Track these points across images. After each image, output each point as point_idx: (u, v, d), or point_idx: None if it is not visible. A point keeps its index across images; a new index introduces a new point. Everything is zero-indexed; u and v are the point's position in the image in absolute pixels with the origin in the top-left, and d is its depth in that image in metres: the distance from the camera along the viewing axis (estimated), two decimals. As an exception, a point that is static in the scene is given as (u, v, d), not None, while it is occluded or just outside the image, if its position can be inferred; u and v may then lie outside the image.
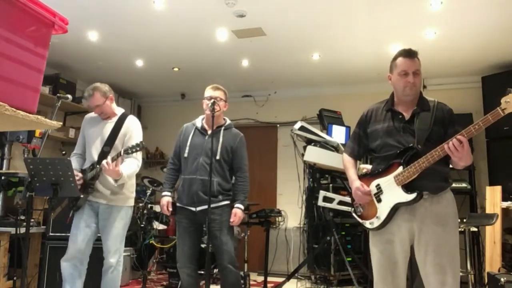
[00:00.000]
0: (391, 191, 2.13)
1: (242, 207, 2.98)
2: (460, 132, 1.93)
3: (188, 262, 2.92)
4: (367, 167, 3.28)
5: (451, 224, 2.07)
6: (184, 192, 2.96)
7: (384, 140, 2.19)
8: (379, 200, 2.18)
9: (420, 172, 2.03)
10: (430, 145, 2.03)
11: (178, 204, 3.02)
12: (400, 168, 2.10)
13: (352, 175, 2.33)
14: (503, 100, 1.83)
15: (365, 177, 2.28)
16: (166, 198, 3.03)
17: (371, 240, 2.25)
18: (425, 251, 2.04)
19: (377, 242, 2.20)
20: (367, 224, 2.22)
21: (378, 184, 2.19)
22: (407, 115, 2.18)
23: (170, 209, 3.03)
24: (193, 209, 2.91)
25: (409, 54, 2.18)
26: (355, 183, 2.26)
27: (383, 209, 2.15)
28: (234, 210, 2.95)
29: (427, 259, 2.04)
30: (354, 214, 2.33)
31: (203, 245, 3.72)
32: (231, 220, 2.92)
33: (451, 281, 2.00)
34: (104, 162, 2.75)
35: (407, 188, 2.07)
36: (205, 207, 2.83)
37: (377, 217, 2.17)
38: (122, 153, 2.76)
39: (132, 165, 2.94)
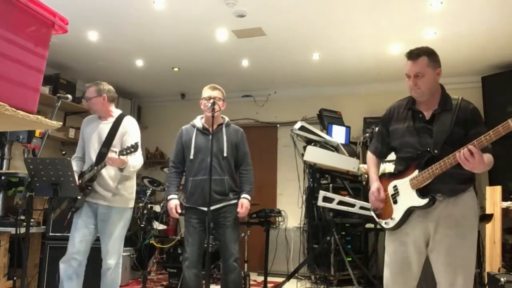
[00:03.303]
0: (406, 194, 2.12)
1: (249, 197, 3.01)
2: (472, 142, 1.88)
3: (197, 263, 2.93)
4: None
5: (467, 226, 2.03)
6: (196, 193, 2.95)
7: (403, 140, 2.17)
8: (395, 202, 2.17)
9: (437, 176, 2.00)
10: (449, 148, 1.97)
11: (187, 205, 3.01)
12: (416, 172, 2.08)
13: (372, 174, 2.32)
14: None
15: (385, 177, 2.27)
16: (174, 201, 2.99)
17: (387, 238, 2.25)
18: (438, 251, 2.03)
19: (392, 242, 2.20)
20: (383, 223, 2.22)
21: (395, 186, 2.18)
22: (427, 115, 2.13)
23: (179, 211, 3.00)
24: (205, 209, 2.89)
25: (410, 56, 2.13)
26: (374, 185, 2.25)
27: (398, 211, 2.14)
28: (241, 201, 2.96)
29: (439, 258, 2.03)
30: (372, 213, 2.33)
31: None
32: (239, 210, 2.95)
33: (462, 282, 1.97)
34: (109, 155, 2.77)
35: (422, 191, 2.05)
36: (217, 206, 2.88)
37: (392, 218, 2.16)
38: (118, 155, 2.76)
39: (136, 157, 2.94)
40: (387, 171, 2.39)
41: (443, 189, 2.04)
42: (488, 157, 1.96)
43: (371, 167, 2.36)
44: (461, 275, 1.98)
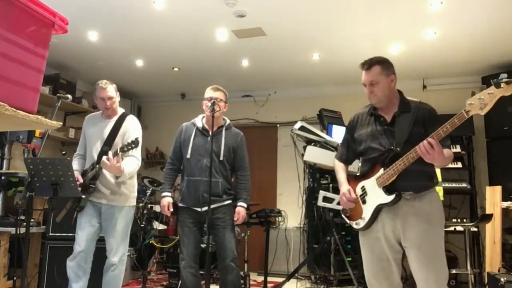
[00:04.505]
0: (374, 192, 2.19)
1: (245, 205, 3.01)
2: (431, 134, 1.97)
3: (193, 262, 2.93)
4: None
5: (434, 222, 2.11)
6: (190, 193, 2.96)
7: (367, 143, 2.26)
8: (364, 202, 2.25)
9: (403, 173, 2.08)
10: (410, 146, 2.06)
11: (181, 205, 3.02)
12: (381, 170, 2.17)
13: (341, 178, 2.42)
14: (467, 101, 1.86)
15: (353, 179, 2.36)
16: (167, 199, 3.03)
17: (361, 239, 2.31)
18: (410, 248, 2.09)
19: (366, 241, 2.26)
20: (354, 224, 2.31)
21: (363, 186, 2.26)
22: (388, 118, 2.24)
23: (171, 209, 3.03)
24: (199, 209, 2.92)
25: (363, 66, 2.26)
26: (343, 187, 2.35)
27: (367, 210, 2.22)
28: (237, 209, 2.98)
29: (412, 254, 2.09)
30: (343, 215, 2.42)
31: (203, 245, 3.73)
32: (235, 218, 2.96)
33: (433, 277, 2.04)
34: (104, 157, 2.76)
35: (389, 189, 2.13)
36: (211, 207, 2.86)
37: (362, 218, 2.24)
38: (118, 151, 2.76)
39: (132, 163, 2.96)
40: None
41: (411, 186, 2.11)
42: (447, 151, 2.04)
43: (339, 172, 2.46)
44: (432, 270, 2.04)
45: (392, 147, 2.14)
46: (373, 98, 2.24)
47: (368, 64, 2.24)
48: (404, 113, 2.20)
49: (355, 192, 2.30)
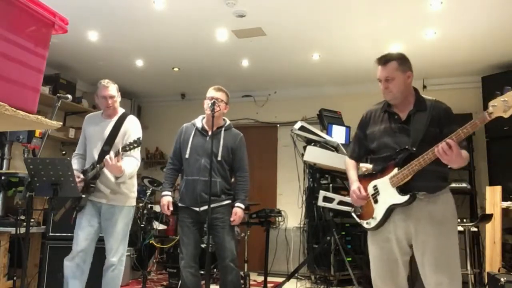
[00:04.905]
0: (387, 192, 2.15)
1: (243, 206, 3.01)
2: (449, 135, 1.93)
3: (192, 262, 2.94)
4: (367, 166, 3.29)
5: (447, 224, 2.07)
6: (188, 193, 2.97)
7: (381, 141, 2.21)
8: (375, 201, 2.20)
9: (418, 173, 2.04)
10: (425, 146, 2.02)
11: (180, 204, 3.03)
12: (395, 170, 2.12)
13: (352, 176, 2.37)
14: (490, 103, 1.82)
15: (364, 178, 2.31)
16: (167, 198, 3.05)
17: (370, 239, 2.27)
18: (423, 252, 2.05)
19: (376, 241, 2.22)
20: (364, 224, 2.26)
21: (375, 185, 2.21)
22: (403, 116, 2.19)
23: (171, 208, 3.04)
24: (197, 209, 2.93)
25: (380, 61, 2.22)
26: (354, 184, 2.30)
27: (379, 210, 2.17)
28: (234, 209, 2.98)
29: (424, 259, 2.04)
30: (353, 214, 2.37)
31: (203, 245, 3.73)
32: (232, 219, 2.95)
33: (448, 281, 1.99)
34: (107, 156, 2.76)
35: (403, 189, 2.09)
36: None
37: (373, 218, 2.19)
38: (120, 151, 2.77)
39: (131, 163, 2.96)
40: None
41: (425, 186, 2.07)
42: (464, 153, 2.00)
43: (350, 170, 2.41)
44: (446, 274, 2.00)
45: (407, 147, 2.09)
46: (388, 95, 2.19)
47: (385, 59, 2.18)
48: (420, 111, 2.14)
49: (366, 191, 2.25)
